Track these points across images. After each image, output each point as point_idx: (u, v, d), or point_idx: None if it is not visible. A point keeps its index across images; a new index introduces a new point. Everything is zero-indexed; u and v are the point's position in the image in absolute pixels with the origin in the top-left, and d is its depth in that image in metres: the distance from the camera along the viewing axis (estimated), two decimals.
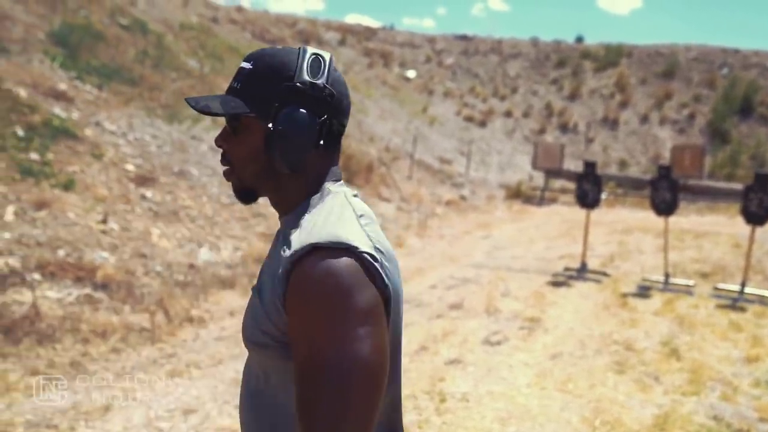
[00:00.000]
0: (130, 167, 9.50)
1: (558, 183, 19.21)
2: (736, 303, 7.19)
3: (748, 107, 23.74)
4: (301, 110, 1.10)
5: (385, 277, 1.04)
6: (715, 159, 20.94)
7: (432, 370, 4.90)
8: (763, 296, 7.39)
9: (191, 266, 7.39)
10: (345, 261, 1.00)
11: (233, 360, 4.94)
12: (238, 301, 6.52)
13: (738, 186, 14.36)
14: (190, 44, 17.02)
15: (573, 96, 24.43)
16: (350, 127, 17.98)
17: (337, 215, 1.09)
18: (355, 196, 1.20)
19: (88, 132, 9.84)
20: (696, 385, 4.75)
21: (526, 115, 23.39)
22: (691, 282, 8.01)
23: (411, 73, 24.68)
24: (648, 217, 11.74)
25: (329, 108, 1.14)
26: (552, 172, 18.78)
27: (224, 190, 10.27)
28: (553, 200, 17.93)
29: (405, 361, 5.04)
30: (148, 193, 9.00)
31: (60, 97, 10.41)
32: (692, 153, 17.63)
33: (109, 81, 12.00)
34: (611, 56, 26.35)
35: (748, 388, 4.74)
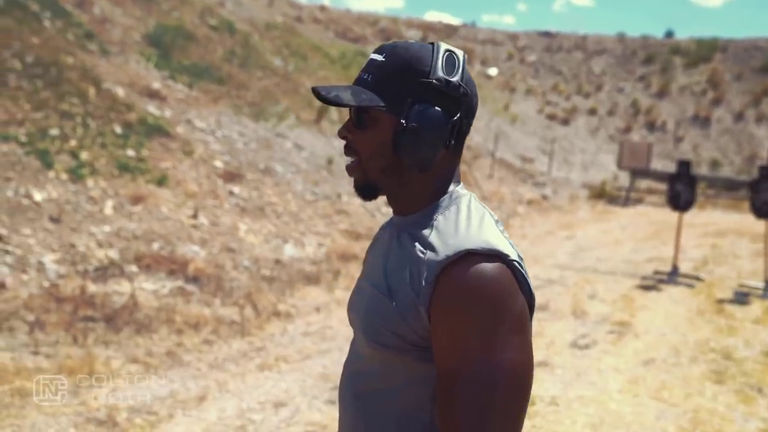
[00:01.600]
0: (218, 164, 9.78)
1: (644, 183, 18.63)
2: None
3: None
4: (436, 108, 1.08)
5: (529, 285, 1.02)
6: None
7: None
8: None
9: (277, 261, 7.54)
10: (499, 268, 0.99)
11: (320, 356, 5.01)
12: (323, 296, 6.61)
13: None
14: (275, 43, 17.37)
15: (661, 93, 23.64)
16: None
17: (478, 221, 1.07)
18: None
19: (180, 129, 10.18)
20: None
21: (610, 113, 22.78)
22: None
23: (493, 71, 24.43)
24: (743, 219, 11.26)
25: (462, 107, 1.12)
26: (638, 171, 18.22)
27: (308, 187, 10.44)
28: (639, 201, 17.40)
29: None
30: (236, 189, 9.25)
31: (154, 95, 10.82)
32: None
33: (198, 80, 12.39)
34: (703, 51, 25.34)
35: None
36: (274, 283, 6.77)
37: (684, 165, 8.03)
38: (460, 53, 1.14)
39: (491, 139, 18.33)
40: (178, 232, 7.45)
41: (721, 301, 7.14)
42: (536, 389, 4.50)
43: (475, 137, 18.47)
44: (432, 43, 1.14)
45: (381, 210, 10.64)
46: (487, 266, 0.98)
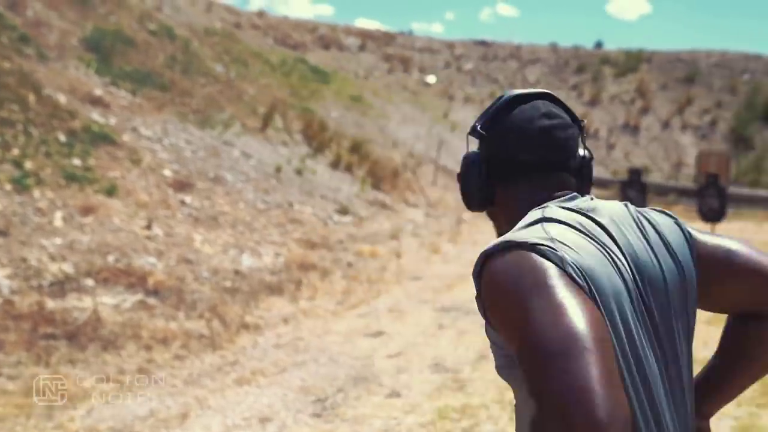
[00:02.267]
0: (167, 173, 9.54)
1: None
2: None
3: None
4: (471, 152, 1.25)
5: (557, 253, 0.99)
6: (738, 165, 20.82)
7: (497, 378, 4.86)
8: None
9: (237, 272, 7.40)
10: (515, 253, 0.99)
11: (297, 368, 4.94)
12: (288, 307, 6.52)
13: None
14: (216, 50, 17.10)
15: (593, 102, 24.41)
16: (373, 132, 18.02)
17: (524, 224, 1.10)
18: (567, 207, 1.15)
19: (126, 137, 9.88)
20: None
21: None
22: None
23: (431, 79, 24.70)
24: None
25: (485, 146, 1.24)
26: None
27: (259, 196, 10.29)
28: None
29: (467, 369, 5.04)
30: (187, 199, 9.03)
31: (96, 102, 10.46)
32: (718, 159, 17.59)
33: (141, 86, 12.06)
34: (631, 62, 26.31)
35: None
36: (237, 295, 6.64)
37: (635, 172, 8.32)
38: (506, 95, 1.24)
39: (433, 146, 18.52)
40: (132, 243, 7.22)
41: None
42: None
43: (417, 144, 18.64)
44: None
45: (333, 218, 10.60)
46: (503, 257, 1.00)
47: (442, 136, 19.58)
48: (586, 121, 1.30)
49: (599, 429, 0.81)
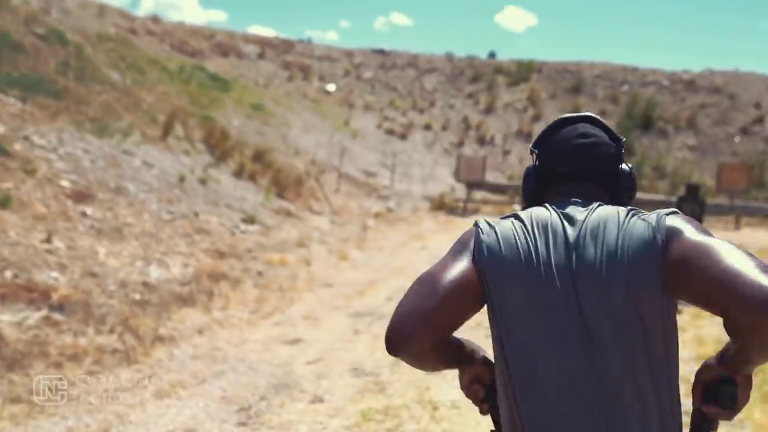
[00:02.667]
0: (65, 183, 9.16)
1: (479, 194, 19.79)
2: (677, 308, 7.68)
3: (648, 122, 25.22)
4: (528, 166, 1.59)
5: (479, 236, 1.37)
6: None
7: (415, 380, 5.03)
8: None
9: (145, 284, 7.22)
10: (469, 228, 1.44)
11: (216, 378, 4.91)
12: (201, 318, 6.44)
13: (660, 197, 15.27)
14: (110, 56, 16.52)
15: (488, 110, 25.24)
16: (275, 140, 17.93)
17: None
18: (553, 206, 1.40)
19: (18, 147, 9.42)
20: None
21: (444, 128, 23.97)
22: None
23: (331, 87, 24.81)
24: None
25: (539, 160, 1.53)
26: (474, 183, 19.33)
27: (163, 206, 10.06)
28: (476, 211, 18.42)
29: (386, 372, 5.16)
30: (88, 210, 8.71)
31: None
32: None
33: (32, 93, 11.51)
34: (522, 72, 27.39)
35: None
36: (148, 307, 6.49)
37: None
38: (557, 119, 1.54)
39: (334, 154, 18.61)
40: (32, 258, 6.90)
41: None
42: (436, 395, 4.72)
43: (319, 152, 18.67)
44: None
45: (240, 228, 10.49)
46: None
47: (344, 144, 19.70)
48: (625, 139, 1.51)
49: (391, 330, 1.27)
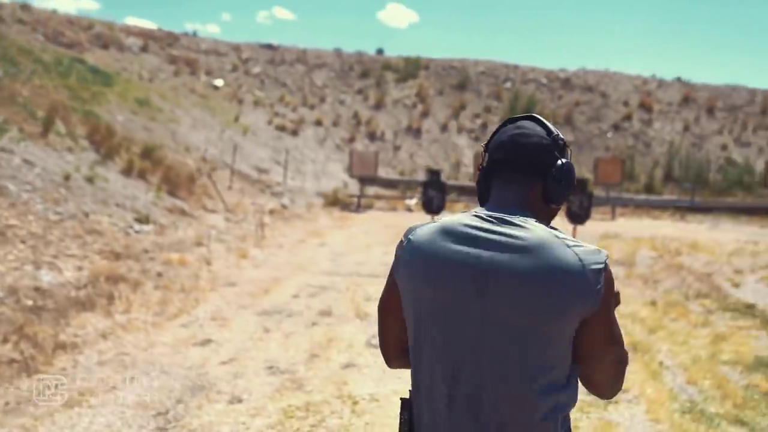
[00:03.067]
0: None
1: (372, 190, 20.04)
2: None
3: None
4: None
5: (403, 243, 1.55)
6: None
7: (332, 375, 5.09)
8: None
9: (37, 289, 6.86)
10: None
11: (128, 384, 4.76)
12: (103, 322, 6.20)
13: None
14: None
15: (378, 106, 25.53)
16: (164, 137, 17.38)
17: None
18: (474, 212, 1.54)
19: None
20: None
21: (335, 124, 24.03)
22: None
23: (219, 82, 24.29)
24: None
25: (487, 154, 1.62)
26: (367, 179, 19.55)
27: (50, 207, 9.56)
28: (369, 206, 18.65)
29: (302, 369, 5.19)
30: None
31: None
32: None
33: None
34: (410, 68, 27.89)
35: None
36: (44, 313, 6.18)
37: (435, 173, 8.95)
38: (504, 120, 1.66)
39: (226, 150, 18.28)
40: None
41: None
42: (354, 389, 4.81)
43: (210, 149, 18.27)
44: None
45: (134, 227, 10.14)
46: None
47: (235, 140, 19.38)
48: (562, 136, 1.61)
49: None
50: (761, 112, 27.85)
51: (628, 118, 27.25)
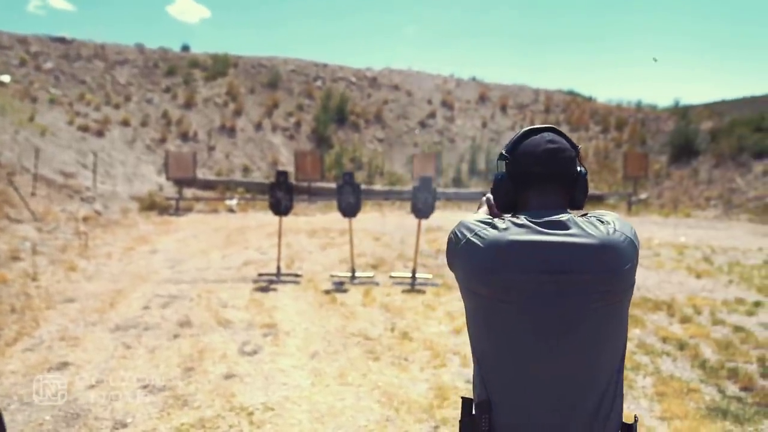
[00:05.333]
0: None
1: (189, 192, 19.31)
2: (413, 287, 8.46)
3: (342, 116, 26.82)
4: (497, 173, 1.77)
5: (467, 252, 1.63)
6: (323, 162, 23.16)
7: (216, 388, 4.90)
8: (428, 278, 8.83)
9: None
10: None
11: None
12: None
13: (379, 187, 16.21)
14: None
15: (188, 104, 24.59)
16: None
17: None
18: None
19: None
20: (439, 358, 5.64)
21: (144, 124, 22.79)
22: (371, 273, 9.12)
23: (5, 78, 22.01)
24: (276, 219, 12.83)
25: (512, 165, 1.72)
26: (185, 181, 18.82)
27: None
28: (189, 209, 17.99)
29: (180, 384, 4.96)
30: None
31: None
32: (312, 158, 19.43)
33: None
34: (219, 66, 27.18)
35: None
36: None
37: (282, 174, 8.85)
38: (521, 130, 1.75)
39: (25, 153, 16.67)
40: None
41: (328, 292, 8.17)
42: (244, 400, 4.68)
43: (6, 153, 16.55)
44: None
45: None
46: None
47: (33, 142, 17.72)
48: (581, 146, 1.71)
49: None
50: (545, 110, 30.59)
51: (432, 115, 28.66)
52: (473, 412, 1.62)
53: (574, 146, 1.73)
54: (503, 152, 1.75)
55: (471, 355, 1.67)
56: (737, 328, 6.64)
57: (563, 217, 1.59)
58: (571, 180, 1.69)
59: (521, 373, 1.54)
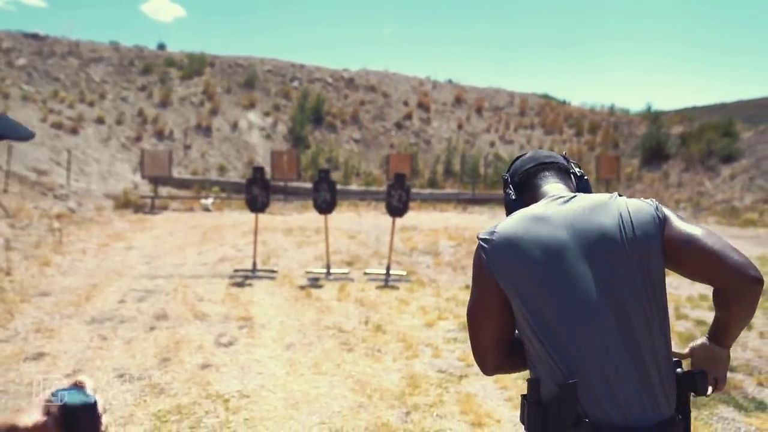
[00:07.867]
0: None
1: (165, 190, 19.26)
2: (387, 283, 8.60)
3: (318, 116, 26.88)
4: (504, 194, 1.88)
5: (485, 247, 1.64)
6: (299, 162, 23.21)
7: (192, 377, 4.98)
8: (402, 275, 8.97)
9: None
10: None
11: None
12: None
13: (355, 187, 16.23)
14: None
15: (164, 103, 24.50)
16: None
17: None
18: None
19: None
20: (412, 349, 5.77)
21: (119, 122, 22.68)
22: (345, 270, 9.23)
23: None
24: (252, 218, 12.87)
25: (512, 181, 1.88)
26: (160, 179, 18.78)
27: None
28: (164, 208, 17.94)
29: (156, 374, 5.04)
30: None
31: None
32: (289, 158, 19.48)
33: None
34: (195, 65, 27.10)
35: (444, 346, 5.96)
36: None
37: (259, 170, 8.93)
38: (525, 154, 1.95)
39: None
40: None
41: (303, 287, 8.27)
42: (220, 389, 4.77)
43: None
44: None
45: None
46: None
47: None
48: (566, 152, 1.93)
49: (478, 366, 1.73)
50: (520, 113, 30.91)
51: (408, 117, 28.82)
52: (541, 398, 1.55)
53: (566, 159, 1.93)
54: (503, 175, 1.91)
55: (527, 354, 1.62)
56: (699, 322, 6.87)
57: (574, 195, 1.71)
58: (566, 171, 1.86)
59: (587, 322, 1.52)
